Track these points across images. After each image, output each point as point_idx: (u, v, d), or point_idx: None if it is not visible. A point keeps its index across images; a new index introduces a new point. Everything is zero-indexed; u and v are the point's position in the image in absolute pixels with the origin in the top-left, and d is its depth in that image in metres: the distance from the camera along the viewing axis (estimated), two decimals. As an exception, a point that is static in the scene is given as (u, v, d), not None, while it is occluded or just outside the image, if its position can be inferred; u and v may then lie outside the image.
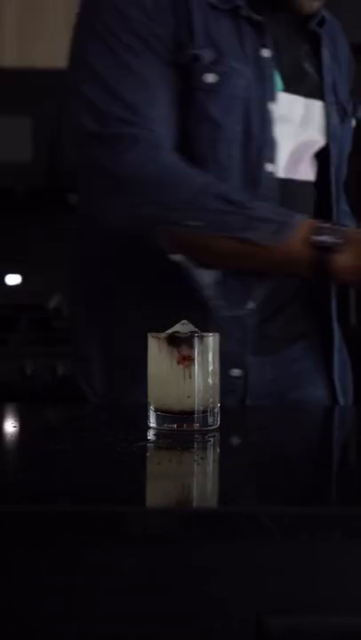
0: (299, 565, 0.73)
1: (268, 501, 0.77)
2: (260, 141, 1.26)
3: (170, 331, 1.02)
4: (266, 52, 1.27)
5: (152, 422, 1.02)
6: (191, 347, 1.00)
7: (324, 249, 1.15)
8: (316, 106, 1.35)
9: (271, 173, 1.27)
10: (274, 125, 1.27)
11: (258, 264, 1.21)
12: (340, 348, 1.41)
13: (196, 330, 1.02)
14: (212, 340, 1.02)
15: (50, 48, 2.70)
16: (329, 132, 1.35)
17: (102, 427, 1.10)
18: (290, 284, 1.31)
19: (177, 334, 1.01)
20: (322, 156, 1.36)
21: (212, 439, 0.98)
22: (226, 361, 1.14)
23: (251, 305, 1.26)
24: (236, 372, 1.27)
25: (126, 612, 0.72)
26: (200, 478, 0.85)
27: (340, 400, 1.38)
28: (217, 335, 1.03)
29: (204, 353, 1.01)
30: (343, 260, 1.15)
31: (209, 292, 1.24)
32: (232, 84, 1.25)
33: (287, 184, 1.30)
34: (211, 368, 1.02)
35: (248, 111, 1.25)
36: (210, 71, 1.24)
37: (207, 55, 1.24)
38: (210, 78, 1.24)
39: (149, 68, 1.23)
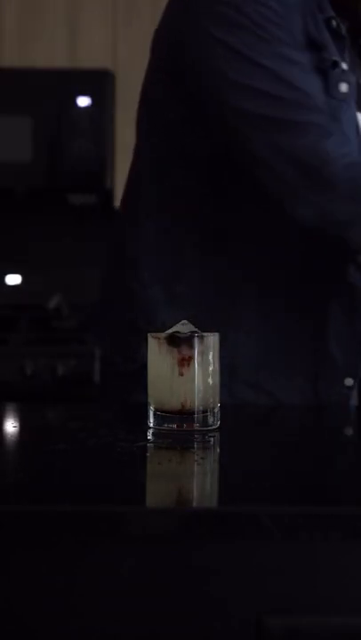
0: (299, 565, 0.73)
1: (268, 501, 0.77)
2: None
3: (170, 331, 1.02)
4: (344, 66, 1.23)
5: (152, 422, 1.02)
6: (191, 347, 1.00)
7: None
8: None
9: None
10: None
11: None
12: None
13: (196, 330, 1.02)
14: (212, 339, 1.02)
15: (50, 48, 2.70)
16: None
17: (102, 427, 1.10)
18: None
19: (177, 334, 1.01)
20: None
21: (212, 439, 0.98)
22: (340, 371, 1.21)
23: None
24: (349, 381, 1.28)
25: (126, 612, 0.72)
26: (200, 478, 0.85)
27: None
28: (217, 335, 1.03)
29: (204, 353, 1.01)
30: None
31: None
32: (353, 96, 1.21)
33: None
34: (211, 368, 1.02)
35: (358, 129, 1.23)
36: (343, 80, 1.20)
37: (342, 63, 1.20)
38: (343, 87, 1.20)
39: (306, 62, 1.18)
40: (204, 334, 1.02)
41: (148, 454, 0.92)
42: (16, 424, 1.15)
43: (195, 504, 0.78)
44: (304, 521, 0.71)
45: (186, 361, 1.00)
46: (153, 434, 1.00)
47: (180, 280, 1.28)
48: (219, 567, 0.73)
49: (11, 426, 1.13)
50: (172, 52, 1.25)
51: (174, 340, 1.01)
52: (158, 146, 1.30)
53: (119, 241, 1.37)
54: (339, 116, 1.20)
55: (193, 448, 0.95)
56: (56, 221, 2.96)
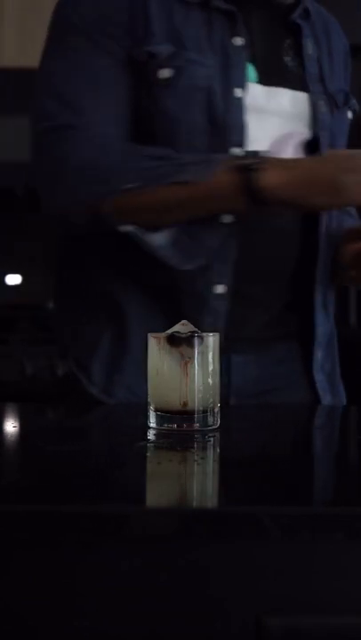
0: (298, 565, 0.73)
1: (268, 501, 0.77)
2: (225, 125, 1.28)
3: (170, 331, 1.02)
4: (238, 41, 1.30)
5: (152, 422, 1.02)
6: (191, 347, 1.00)
7: (248, 170, 1.19)
8: (302, 98, 1.36)
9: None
10: (243, 111, 1.29)
11: (196, 207, 1.24)
12: (328, 347, 1.41)
13: (196, 330, 1.02)
14: (212, 339, 1.02)
15: (50, 48, 2.69)
16: (317, 123, 1.36)
17: (102, 427, 1.10)
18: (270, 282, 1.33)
19: (177, 334, 1.01)
20: (312, 149, 1.36)
21: (212, 439, 0.98)
22: None
23: (200, 260, 1.28)
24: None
25: (126, 612, 0.72)
26: (200, 478, 0.85)
27: (325, 401, 1.38)
28: (217, 335, 1.03)
29: (204, 353, 1.01)
30: (268, 176, 1.19)
31: (165, 253, 1.26)
32: (190, 75, 1.28)
33: None
34: (211, 368, 1.02)
35: (212, 98, 1.28)
36: (165, 66, 1.28)
37: (164, 51, 1.28)
38: (165, 73, 1.28)
39: (100, 69, 1.28)
40: (204, 334, 1.02)
41: (148, 454, 0.92)
42: (16, 424, 1.15)
43: (195, 504, 0.78)
44: (304, 521, 0.71)
45: (186, 361, 1.00)
46: (153, 434, 1.00)
47: None
48: (219, 567, 0.73)
49: (11, 426, 1.13)
50: None
51: (174, 340, 1.01)
52: None
53: None
54: (163, 101, 1.28)
55: (193, 448, 0.95)
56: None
